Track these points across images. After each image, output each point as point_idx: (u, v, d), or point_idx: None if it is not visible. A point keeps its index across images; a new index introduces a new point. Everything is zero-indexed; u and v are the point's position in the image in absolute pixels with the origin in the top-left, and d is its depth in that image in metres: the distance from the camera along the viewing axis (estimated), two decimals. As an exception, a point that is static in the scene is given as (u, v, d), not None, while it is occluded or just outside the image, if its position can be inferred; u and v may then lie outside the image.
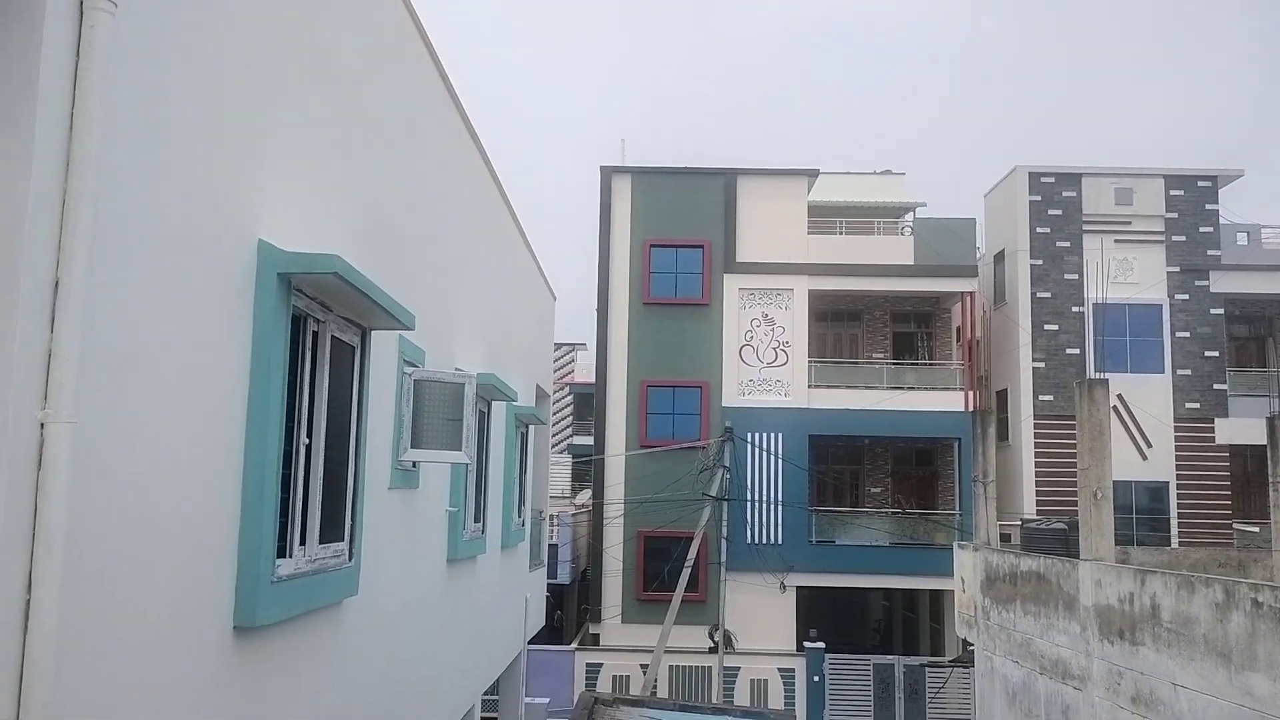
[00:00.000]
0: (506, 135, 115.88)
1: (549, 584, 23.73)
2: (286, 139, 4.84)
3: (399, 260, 6.86)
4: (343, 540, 5.56)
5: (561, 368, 46.92)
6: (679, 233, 26.17)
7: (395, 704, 7.09)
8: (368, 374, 5.90)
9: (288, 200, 4.85)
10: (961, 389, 25.81)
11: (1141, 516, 25.26)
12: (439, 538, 8.33)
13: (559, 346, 46.48)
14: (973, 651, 15.82)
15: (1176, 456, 25.43)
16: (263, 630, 4.48)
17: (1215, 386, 25.68)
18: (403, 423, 6.94)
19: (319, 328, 5.21)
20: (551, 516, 25.67)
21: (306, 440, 5.07)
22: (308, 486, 5.11)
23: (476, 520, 9.74)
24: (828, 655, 23.34)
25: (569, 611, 29.60)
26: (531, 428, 13.83)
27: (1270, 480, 14.51)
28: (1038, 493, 25.07)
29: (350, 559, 5.65)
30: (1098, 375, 23.10)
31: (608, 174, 26.58)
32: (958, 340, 27.65)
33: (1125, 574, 10.68)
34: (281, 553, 4.86)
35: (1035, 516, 20.12)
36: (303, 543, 5.05)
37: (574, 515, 27.80)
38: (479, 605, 10.34)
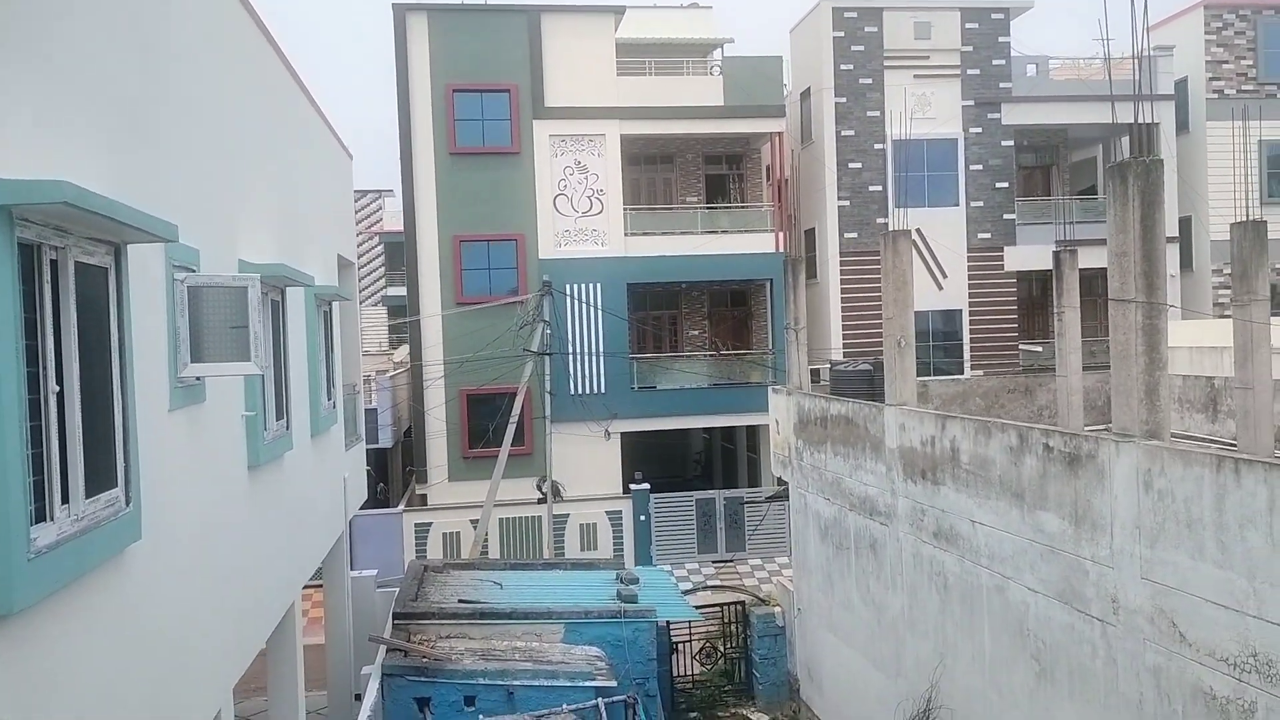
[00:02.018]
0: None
1: (371, 449, 23.28)
2: (-18, 33, 3.99)
3: (156, 159, 6.01)
4: (116, 486, 5.00)
5: (368, 216, 44.88)
6: (483, 76, 24.83)
7: (207, 632, 6.68)
8: (127, 294, 5.20)
9: (4, 116, 4.04)
10: (772, 230, 26.21)
11: (937, 343, 26.81)
12: (236, 447, 7.76)
13: (364, 194, 44.39)
14: (788, 489, 16.58)
15: (969, 285, 26.91)
16: (26, 613, 3.96)
17: (1005, 216, 27.06)
18: (179, 336, 6.25)
19: (58, 255, 4.48)
20: (368, 379, 24.95)
21: (57, 388, 4.42)
22: (64, 437, 4.50)
23: (280, 418, 9.15)
24: (652, 495, 24.12)
25: (394, 473, 29.28)
26: (335, 304, 13.06)
27: (1054, 309, 15.49)
28: (844, 328, 26.13)
29: (128, 504, 5.10)
30: (898, 212, 23.90)
31: (401, 12, 24.71)
32: (768, 180, 27.88)
33: (927, 419, 11.21)
34: (42, 516, 4.29)
35: (843, 360, 20.95)
36: (65, 501, 4.48)
37: (392, 376, 27.10)
38: (291, 503, 9.87)
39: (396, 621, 12.91)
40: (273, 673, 10.26)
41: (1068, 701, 8.53)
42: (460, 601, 13.80)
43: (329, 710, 14.22)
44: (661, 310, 28.63)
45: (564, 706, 11.28)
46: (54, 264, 4.46)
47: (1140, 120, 9.93)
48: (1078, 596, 8.31)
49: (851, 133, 26.36)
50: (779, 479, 17.40)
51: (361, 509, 18.08)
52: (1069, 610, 8.45)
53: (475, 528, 21.32)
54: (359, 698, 11.56)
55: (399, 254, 34.08)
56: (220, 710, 6.97)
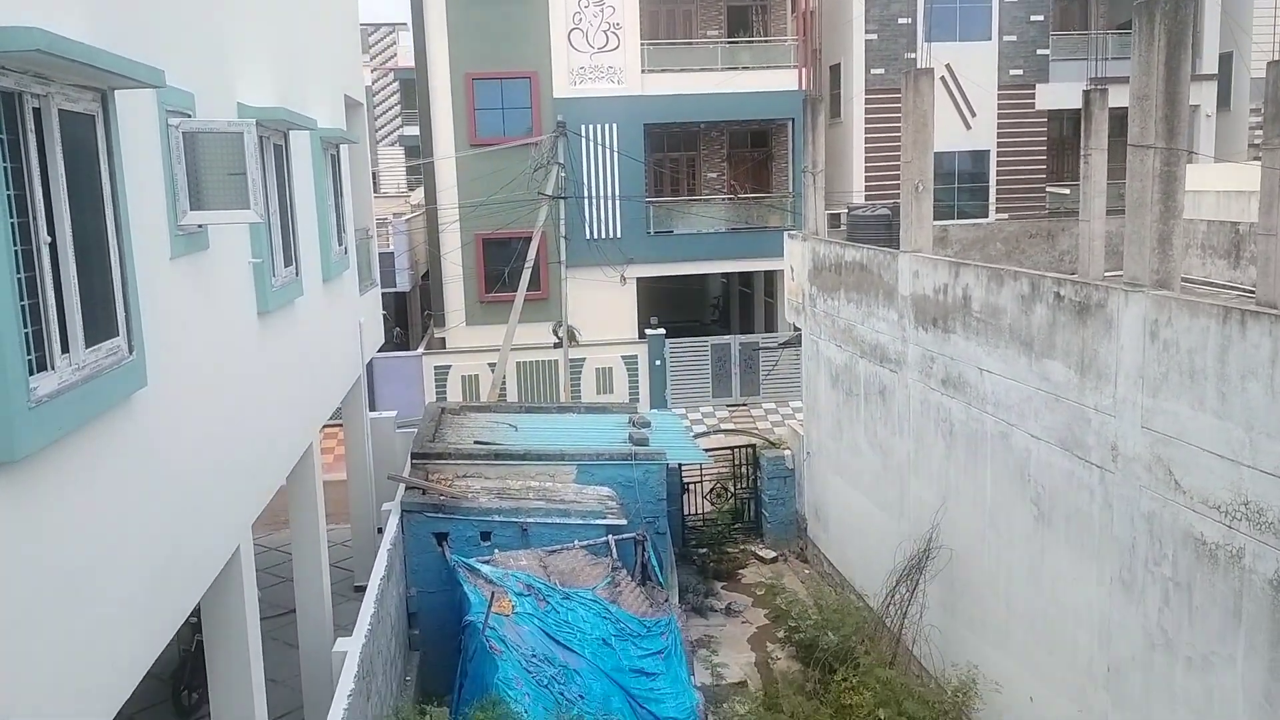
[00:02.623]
0: None
1: (388, 293, 23.42)
2: None
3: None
4: (118, 335, 5.05)
5: (382, 52, 43.68)
6: (493, -99, 23.67)
7: (222, 474, 6.89)
8: (117, 142, 5.12)
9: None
10: (795, 66, 25.36)
11: (963, 185, 26.29)
12: (245, 294, 7.79)
13: (377, 28, 43.06)
14: (801, 335, 16.63)
15: (998, 124, 26.13)
16: (31, 460, 4.08)
17: (1038, 52, 26.02)
18: (177, 184, 6.19)
19: (40, 103, 4.40)
20: (384, 223, 24.84)
21: (49, 238, 4.42)
22: (60, 287, 4.52)
23: (288, 265, 9.15)
24: (668, 340, 24.26)
25: (412, 316, 29.51)
26: (344, 147, 12.87)
27: (1082, 151, 15.06)
28: (867, 170, 25.60)
29: (131, 352, 5.17)
30: (926, 47, 23.01)
31: None
32: (792, 12, 26.77)
33: (941, 266, 11.10)
34: (43, 365, 4.37)
35: (862, 203, 20.60)
36: (66, 350, 4.55)
37: (409, 219, 26.95)
38: (304, 348, 9.99)
39: (415, 461, 13.28)
40: (294, 508, 10.63)
41: (1063, 544, 8.75)
42: (476, 443, 14.15)
43: (353, 542, 14.81)
44: (679, 152, 28.07)
45: (575, 543, 11.70)
46: (37, 112, 4.38)
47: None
48: (1079, 444, 8.40)
49: (880, -38, 25.11)
50: (793, 325, 17.43)
51: (380, 352, 18.32)
52: (1069, 457, 8.56)
53: (493, 371, 21.61)
54: (381, 531, 12.01)
55: (414, 92, 33.40)
56: (240, 546, 7.26)
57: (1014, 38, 25.86)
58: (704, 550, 16.13)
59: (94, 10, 5.03)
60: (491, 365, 22.12)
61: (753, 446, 17.59)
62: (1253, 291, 13.49)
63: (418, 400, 22.60)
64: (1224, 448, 6.62)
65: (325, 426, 12.76)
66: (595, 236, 24.56)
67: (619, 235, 24.72)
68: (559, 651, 9.96)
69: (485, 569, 10.75)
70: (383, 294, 17.34)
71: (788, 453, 16.90)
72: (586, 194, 24.39)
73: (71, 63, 4.16)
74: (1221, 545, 6.75)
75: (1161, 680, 7.44)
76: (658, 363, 24.11)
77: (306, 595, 10.72)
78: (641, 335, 24.57)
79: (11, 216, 4.10)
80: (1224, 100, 27.00)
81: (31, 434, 4.02)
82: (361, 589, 11.25)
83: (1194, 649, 7.07)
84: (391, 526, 11.37)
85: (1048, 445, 8.90)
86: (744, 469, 17.27)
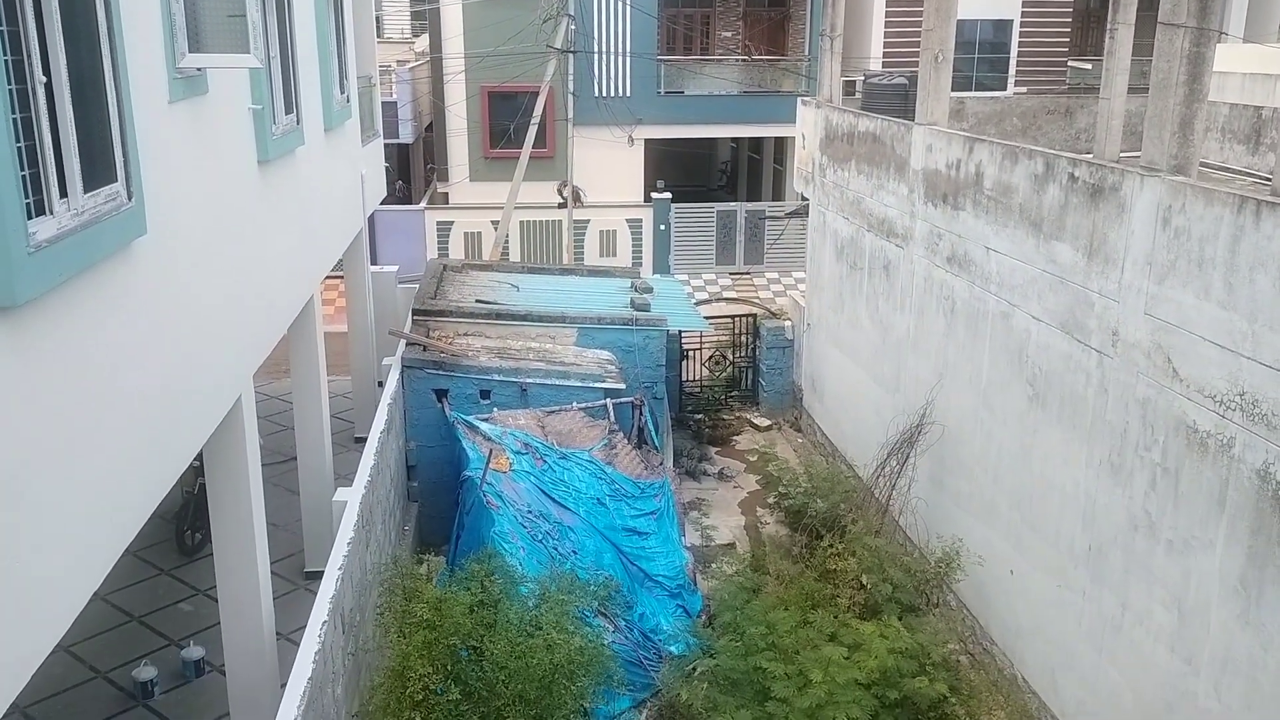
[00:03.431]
0: None
1: (391, 144, 23.02)
2: None
3: None
4: (116, 181, 4.97)
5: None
6: None
7: (222, 323, 6.90)
8: (112, -23, 4.92)
9: None
10: (818, -78, 24.24)
11: (983, 56, 25.51)
12: (245, 141, 7.64)
13: None
14: (808, 205, 16.43)
15: (1024, -7, 25.18)
16: (31, 305, 4.06)
17: (1073, -85, 24.85)
18: (175, 25, 5.98)
19: (31, -68, 4.20)
20: (387, 71, 24.21)
21: (45, 78, 4.29)
22: (57, 129, 4.42)
23: (289, 112, 8.94)
24: (674, 205, 23.98)
25: (415, 169, 29.08)
26: (346, -11, 12.42)
27: (1109, 26, 14.55)
28: (886, 35, 24.79)
29: (130, 199, 5.09)
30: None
31: None
32: None
33: (955, 141, 10.87)
34: (41, 210, 4.31)
35: (879, 71, 20.01)
36: (64, 195, 4.48)
37: (413, 68, 26.24)
38: (305, 198, 9.87)
39: (416, 317, 13.31)
40: (295, 358, 10.72)
41: (1055, 425, 8.86)
42: (478, 301, 14.16)
43: (354, 394, 14.99)
44: (694, 8, 27.12)
45: (574, 404, 11.85)
46: (28, -57, 4.19)
47: None
48: (1079, 328, 8.40)
49: None
50: (801, 195, 17.20)
51: (381, 205, 18.13)
52: (1069, 340, 8.57)
53: (496, 229, 21.45)
54: (382, 385, 12.14)
55: (419, -67, 32.00)
56: (241, 396, 7.34)
57: (1049, -103, 24.65)
58: (700, 416, 16.36)
59: None
60: (495, 223, 21.93)
61: (753, 316, 17.62)
62: (1269, 179, 13.26)
63: (419, 255, 22.50)
64: (1225, 338, 6.62)
65: (326, 278, 12.74)
66: (604, 94, 23.98)
67: (629, 94, 24.13)
68: (554, 509, 10.21)
69: (484, 426, 10.92)
70: (385, 145, 17.03)
71: (788, 323, 16.93)
72: (596, 49, 23.68)
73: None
74: (1213, 434, 6.83)
75: (1141, 561, 7.64)
76: (662, 227, 23.91)
77: (307, 444, 10.91)
78: (647, 198, 24.28)
79: (5, 54, 3.97)
80: (1262, -23, 25.92)
81: (32, 279, 3.99)
82: (361, 440, 11.45)
83: (1175, 533, 7.24)
84: (392, 381, 11.49)
85: (1048, 328, 8.90)
86: (744, 338, 17.34)
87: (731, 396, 17.13)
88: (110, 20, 4.92)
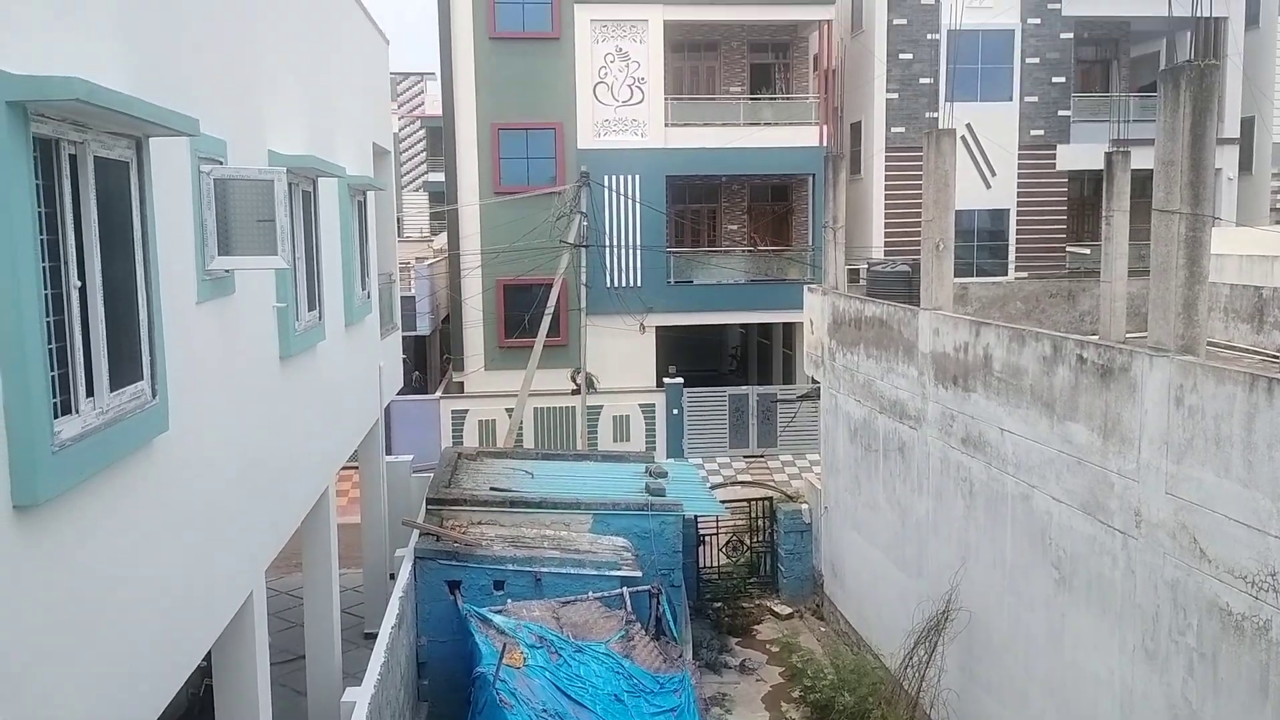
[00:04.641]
0: None
1: (409, 336, 23.54)
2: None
3: (180, 48, 5.93)
4: (142, 379, 5.09)
5: (410, 100, 44.40)
6: (524, -43, 24.13)
7: (238, 519, 6.89)
8: (149, 188, 5.20)
9: (16, 6, 3.98)
10: (817, 123, 25.56)
11: (983, 243, 26.31)
12: (268, 338, 7.85)
13: (406, 77, 43.83)
14: (820, 388, 16.57)
15: (1019, 184, 26.22)
16: (53, 504, 4.08)
17: (1060, 113, 26.16)
18: (206, 229, 6.27)
19: (76, 149, 4.47)
20: (407, 267, 25.04)
21: (79, 282, 4.47)
22: (88, 331, 4.56)
23: (312, 309, 9.23)
24: (686, 389, 24.23)
25: (432, 360, 29.63)
26: (370, 194, 13.02)
27: (1104, 213, 15.07)
28: (887, 226, 25.68)
29: (154, 396, 5.20)
30: (948, 107, 23.16)
31: (440, -111, 23.93)
32: (814, 71, 27.07)
33: (961, 324, 11.07)
34: (67, 409, 4.39)
35: (881, 259, 20.63)
36: (90, 394, 4.57)
37: (431, 264, 27.17)
38: (324, 392, 10.03)
39: (430, 506, 13.24)
40: (308, 553, 10.61)
41: (1084, 609, 8.61)
42: (492, 489, 14.11)
43: (365, 587, 14.73)
44: (700, 204, 28.26)
45: (589, 594, 11.59)
46: (73, 159, 4.45)
47: (1202, 15, 9.44)
48: (1101, 508, 8.30)
49: (904, 21, 25.40)
50: (812, 378, 17.38)
51: (398, 395, 18.38)
52: (1092, 521, 8.45)
53: (510, 416, 21.62)
54: (394, 577, 11.95)
55: (440, 139, 33.83)
56: (252, 592, 7.23)
57: (1035, 98, 26.04)
58: (719, 604, 15.95)
59: (132, 59, 5.13)
60: (509, 410, 22.13)
61: (769, 499, 17.46)
62: (1277, 357, 13.39)
63: (434, 444, 22.61)
64: (1251, 517, 6.52)
65: (341, 469, 12.77)
66: (616, 285, 24.68)
67: (639, 284, 24.83)
68: (570, 707, 9.82)
69: (497, 619, 10.66)
70: (403, 337, 17.43)
71: (805, 507, 16.76)
72: (608, 242, 24.54)
73: (109, 111, 4.24)
74: (1248, 616, 6.62)
75: (1186, 754, 7.26)
76: (675, 412, 24.07)
77: (317, 642, 10.66)
78: (659, 384, 24.57)
79: (43, 261, 4.15)
80: (1246, 164, 27.01)
81: (53, 479, 4.03)
82: (371, 636, 11.17)
83: (1220, 723, 6.90)
84: (404, 573, 11.31)
85: (1069, 509, 8.79)
86: (760, 522, 17.12)
87: (750, 583, 16.75)
88: (145, 228, 5.16)
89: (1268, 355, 13.29)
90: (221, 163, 6.61)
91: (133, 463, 5.01)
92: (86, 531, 4.52)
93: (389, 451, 16.85)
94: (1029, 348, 9.50)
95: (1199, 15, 10.13)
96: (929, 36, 25.45)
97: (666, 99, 24.99)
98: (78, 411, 4.43)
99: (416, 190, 43.90)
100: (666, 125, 24.83)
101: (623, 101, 24.66)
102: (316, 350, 9.50)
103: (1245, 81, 25.72)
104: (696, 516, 15.90)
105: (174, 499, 5.65)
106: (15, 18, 3.98)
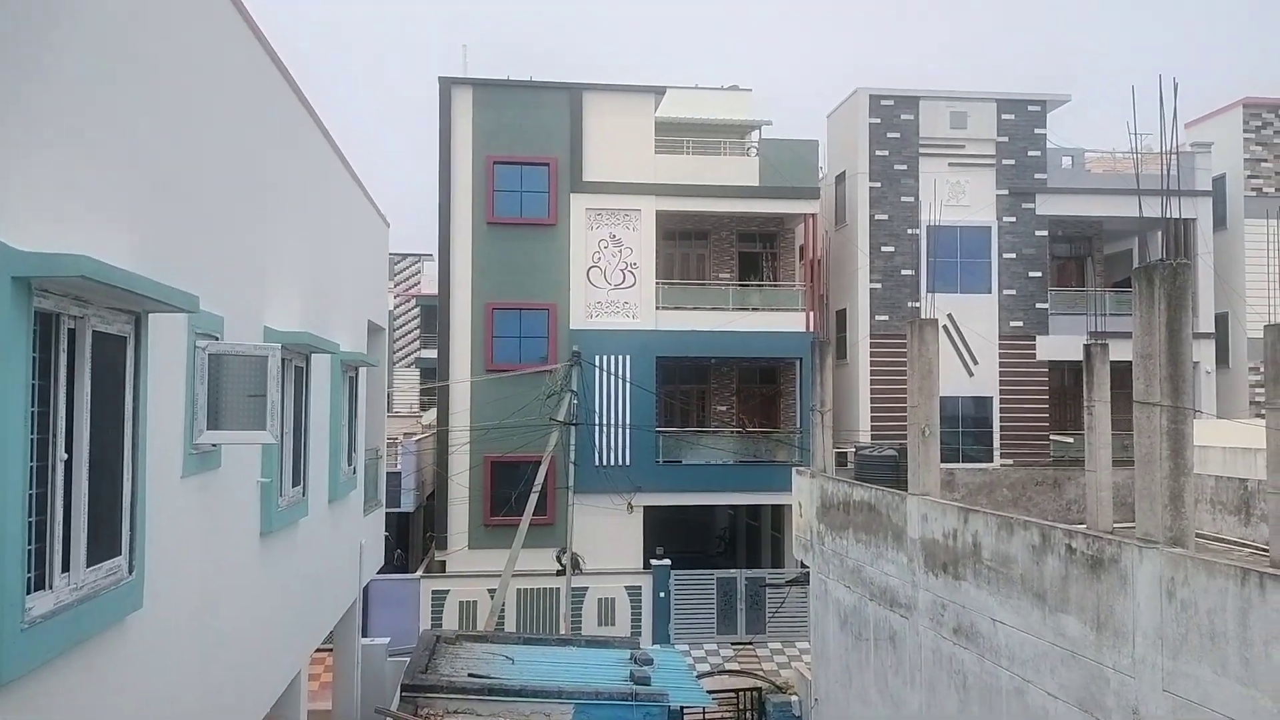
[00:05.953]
0: (333, 38, 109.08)
1: (392, 513, 23.25)
2: (20, 110, 4.11)
3: (184, 227, 6.14)
4: (119, 555, 5.00)
5: (407, 279, 45.53)
6: (524, 149, 25.31)
7: (209, 700, 6.62)
8: (145, 363, 5.27)
9: (27, 184, 4.15)
10: (803, 309, 26.24)
11: (967, 429, 26.53)
12: (250, 514, 7.77)
13: (404, 257, 45.11)
14: (809, 572, 16.31)
15: (1000, 373, 26.70)
16: (17, 683, 3.94)
17: (1037, 306, 26.94)
18: (197, 403, 6.31)
19: (75, 324, 4.56)
20: (394, 443, 25.02)
21: (65, 456, 4.46)
22: (69, 506, 4.52)
23: (296, 484, 9.17)
24: (673, 572, 23.82)
25: (414, 537, 29.19)
26: (363, 370, 13.17)
27: (1085, 403, 15.29)
28: (873, 410, 25.94)
29: (130, 572, 5.10)
30: (929, 297, 23.85)
31: (447, 86, 25.34)
32: (801, 260, 28.00)
33: (950, 511, 11.03)
34: (40, 584, 4.30)
35: (869, 444, 20.76)
36: (66, 569, 4.49)
37: (419, 439, 27.18)
38: (303, 570, 9.84)
39: (405, 694, 12.73)
40: (275, 742, 10.12)
41: (1087, 816, 8.21)
42: (470, 675, 13.62)
43: (333, 780, 13.99)
44: (690, 385, 28.60)
45: (568, 791, 11.02)
46: (71, 333, 4.54)
47: (1172, 216, 9.88)
48: (1098, 705, 8.04)
49: (885, 217, 26.48)
50: (801, 562, 17.14)
51: (379, 573, 17.99)
52: (1089, 719, 8.17)
53: (492, 597, 21.13)
54: (362, 770, 11.37)
55: (435, 316, 34.50)
56: (214, 783, 6.87)
57: (1013, 291, 26.87)
58: (703, 803, 15.17)
59: (135, 236, 5.29)
60: (491, 591, 21.66)
61: (758, 690, 16.90)
62: (1266, 550, 13.30)
63: (413, 625, 21.98)
64: (1251, 717, 6.32)
65: (314, 651, 12.36)
66: (604, 463, 24.64)
67: (628, 463, 24.80)
68: None
69: (470, 817, 10.08)
70: (386, 514, 17.22)
71: (795, 698, 16.20)
72: (598, 421, 24.67)
73: (112, 288, 4.34)
74: (1257, 826, 6.32)
75: None
76: (662, 594, 23.59)
77: (278, 840, 10.02)
78: (647, 564, 24.16)
79: (32, 433, 4.16)
80: (1223, 358, 27.66)
81: (21, 657, 3.91)
82: (337, 833, 10.53)
83: None
84: (375, 764, 10.77)
85: (1066, 705, 8.52)
86: (748, 714, 16.50)
87: (737, 781, 16.00)
88: (137, 402, 5.20)
89: (1257, 548, 13.21)
90: (217, 338, 6.72)
91: (103, 640, 4.87)
92: (52, 712, 4.34)
93: (366, 632, 16.38)
94: (1018, 536, 9.44)
95: (1169, 216, 10.62)
96: (909, 231, 26.48)
97: (658, 283, 25.70)
98: (51, 587, 4.33)
99: (408, 366, 44.42)
100: (657, 308, 25.44)
101: (615, 285, 25.34)
102: (298, 527, 9.38)
103: (1216, 279, 26.65)
104: (683, 707, 15.30)
105: (143, 680, 5.45)
106: (23, 193, 4.12)
